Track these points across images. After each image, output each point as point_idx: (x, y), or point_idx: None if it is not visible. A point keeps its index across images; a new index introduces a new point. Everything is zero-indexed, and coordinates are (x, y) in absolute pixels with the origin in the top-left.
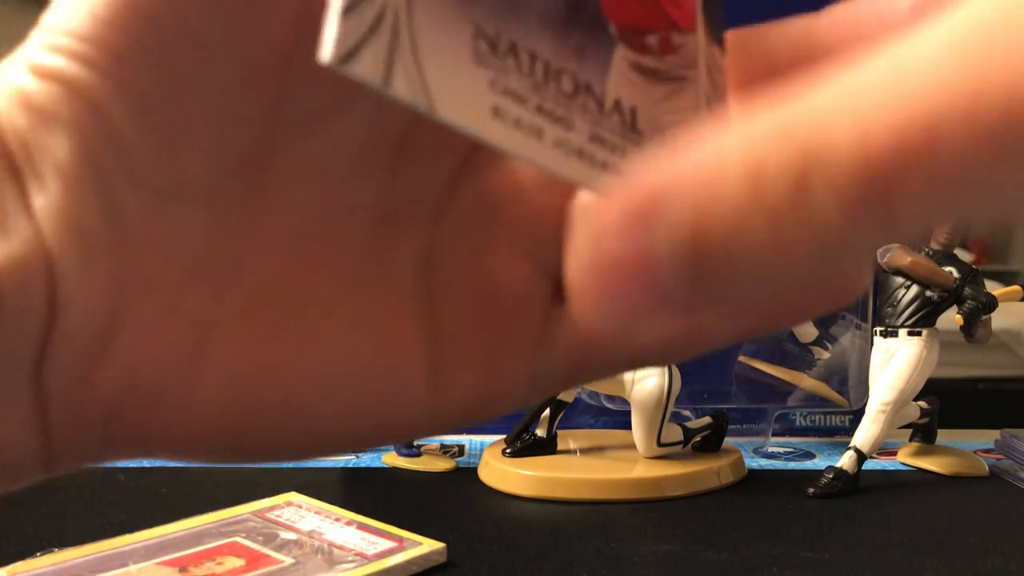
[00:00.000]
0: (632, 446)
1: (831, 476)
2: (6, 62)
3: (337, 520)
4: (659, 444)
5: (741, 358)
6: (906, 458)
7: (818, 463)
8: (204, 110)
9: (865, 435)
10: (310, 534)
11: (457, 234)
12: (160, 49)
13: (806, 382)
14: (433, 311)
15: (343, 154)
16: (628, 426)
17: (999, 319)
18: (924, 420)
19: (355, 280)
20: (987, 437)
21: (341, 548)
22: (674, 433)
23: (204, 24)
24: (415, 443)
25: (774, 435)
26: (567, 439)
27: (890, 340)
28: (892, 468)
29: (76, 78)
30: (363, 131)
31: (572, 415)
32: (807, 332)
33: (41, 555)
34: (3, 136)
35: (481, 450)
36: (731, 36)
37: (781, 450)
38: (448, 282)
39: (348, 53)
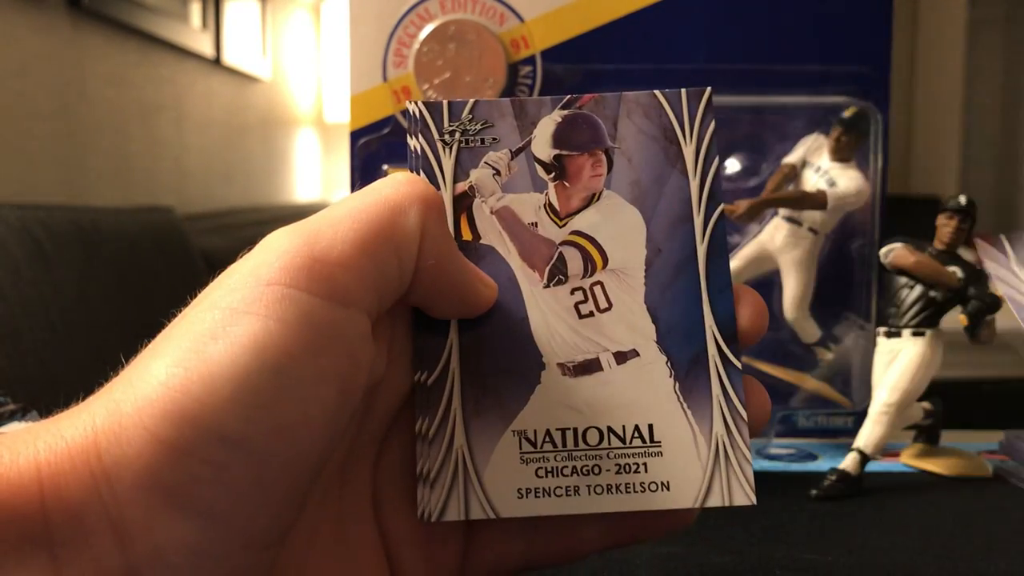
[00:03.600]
0: None
1: (834, 478)
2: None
3: None
4: None
5: (743, 359)
6: (909, 460)
7: (821, 464)
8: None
9: (868, 436)
10: None
11: (392, 477)
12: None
13: (809, 383)
14: (385, 539)
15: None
16: None
17: (1003, 320)
18: (928, 421)
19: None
20: (991, 438)
21: None
22: None
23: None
24: None
25: (776, 436)
26: None
27: (893, 340)
28: (895, 470)
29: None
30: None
31: None
32: (810, 333)
33: None
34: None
35: None
36: None
37: (783, 451)
38: (392, 517)
39: (441, 511)
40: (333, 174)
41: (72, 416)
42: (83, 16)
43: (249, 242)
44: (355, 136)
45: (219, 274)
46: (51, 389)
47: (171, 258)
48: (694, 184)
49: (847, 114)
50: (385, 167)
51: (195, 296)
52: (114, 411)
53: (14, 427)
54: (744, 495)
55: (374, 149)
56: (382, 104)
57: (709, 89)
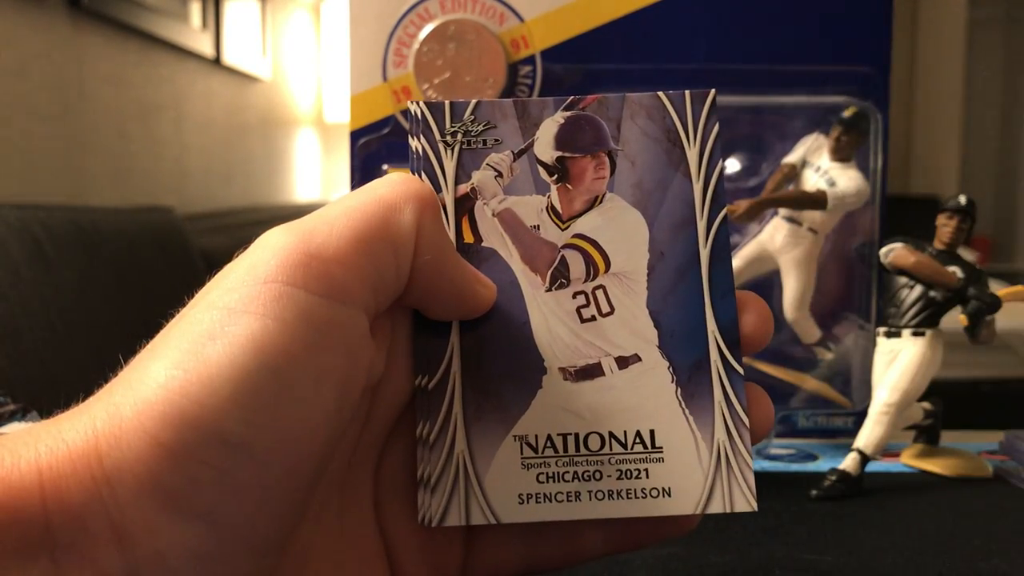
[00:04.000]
0: None
1: (834, 478)
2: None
3: None
4: None
5: (745, 361)
6: (909, 460)
7: (821, 465)
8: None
9: (868, 437)
10: None
11: (394, 482)
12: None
13: (809, 383)
14: (386, 543)
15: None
16: None
17: (1003, 320)
18: (928, 422)
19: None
20: (991, 439)
21: None
22: None
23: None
24: None
25: (776, 437)
26: None
27: (893, 341)
28: (895, 470)
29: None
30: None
31: None
32: (810, 333)
33: None
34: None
35: None
36: None
37: (783, 452)
38: (393, 521)
39: (442, 516)
40: (333, 174)
41: (72, 418)
42: (83, 16)
43: (249, 242)
44: (355, 136)
45: (216, 273)
46: (51, 389)
47: (171, 258)
48: (697, 187)
49: (847, 114)
50: (385, 167)
51: (194, 296)
52: (114, 414)
53: (14, 427)
54: (745, 501)
55: (374, 149)
56: (382, 104)
57: (713, 91)
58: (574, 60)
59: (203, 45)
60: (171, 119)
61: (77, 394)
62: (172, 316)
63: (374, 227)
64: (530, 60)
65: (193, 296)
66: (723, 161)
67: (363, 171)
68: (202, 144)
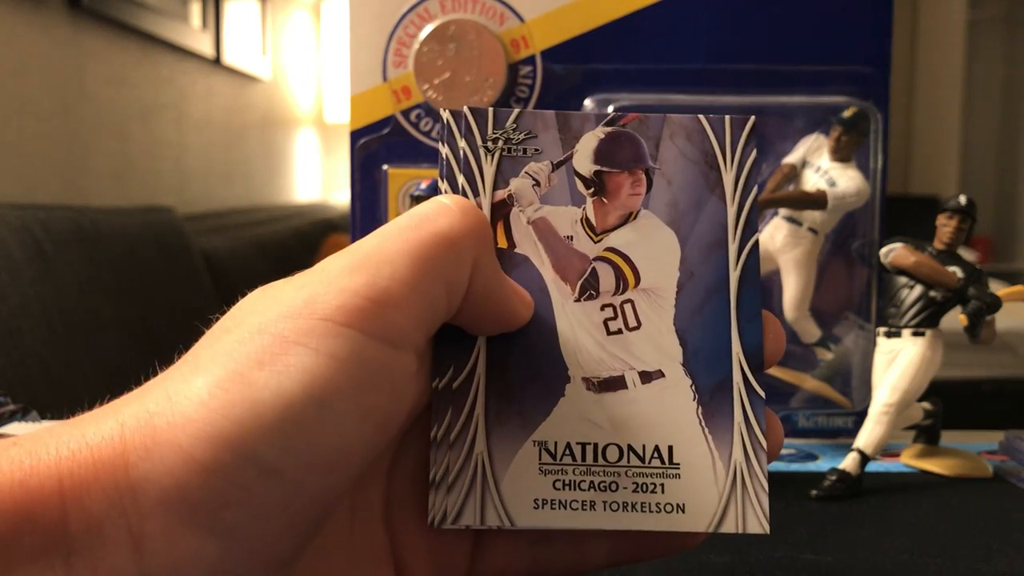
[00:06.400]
0: None
1: (834, 478)
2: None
3: None
4: None
5: None
6: (909, 460)
7: (821, 465)
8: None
9: (868, 437)
10: None
11: (405, 484)
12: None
13: (809, 383)
14: (394, 546)
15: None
16: None
17: (1003, 319)
18: (928, 421)
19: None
20: (991, 439)
21: None
22: None
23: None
24: None
25: None
26: None
27: (893, 340)
28: (895, 470)
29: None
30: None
31: None
32: (810, 333)
33: None
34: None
35: None
36: None
37: (783, 452)
38: (402, 523)
39: (456, 516)
40: (333, 174)
41: (97, 420)
42: (83, 16)
43: (249, 242)
44: (355, 136)
45: (258, 289)
46: (51, 389)
47: (171, 258)
48: (731, 211)
49: (847, 114)
50: (385, 167)
51: (197, 294)
52: (146, 423)
53: (14, 427)
54: (758, 523)
55: (374, 149)
56: (382, 104)
57: (753, 118)
58: (574, 60)
59: (203, 45)
60: (171, 119)
61: (77, 394)
62: (175, 316)
63: (432, 269)
64: (530, 60)
65: (195, 295)
66: (759, 187)
67: (363, 171)
68: (202, 144)
